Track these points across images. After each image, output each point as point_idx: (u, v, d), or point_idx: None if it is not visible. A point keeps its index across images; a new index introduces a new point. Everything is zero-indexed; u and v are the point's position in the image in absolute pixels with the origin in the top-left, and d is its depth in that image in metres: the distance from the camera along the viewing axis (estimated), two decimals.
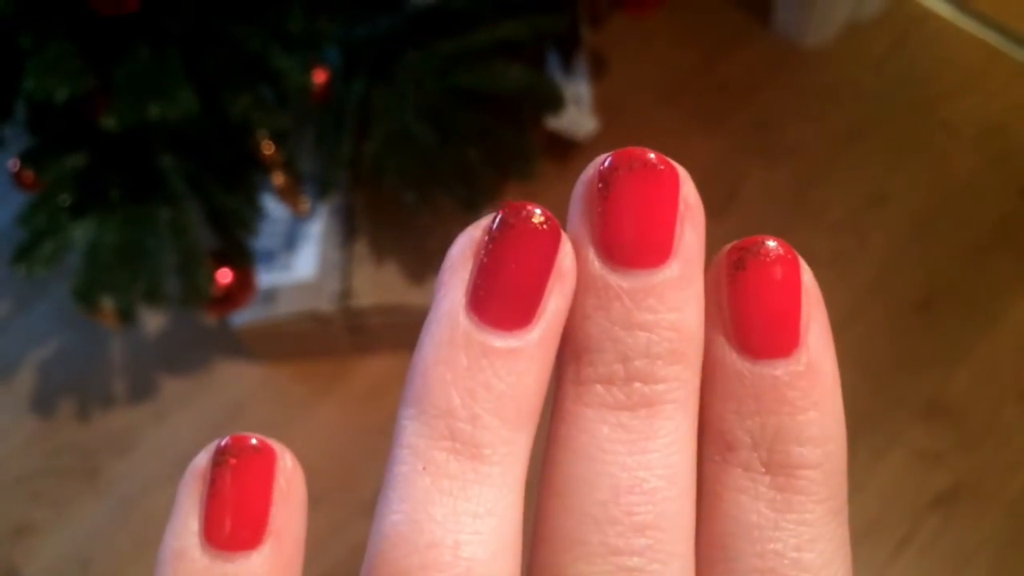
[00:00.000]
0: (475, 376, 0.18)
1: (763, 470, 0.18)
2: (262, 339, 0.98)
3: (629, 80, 1.16)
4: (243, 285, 0.80)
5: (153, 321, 1.05)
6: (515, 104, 0.83)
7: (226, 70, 0.67)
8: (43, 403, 1.03)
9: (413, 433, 0.18)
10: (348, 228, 0.96)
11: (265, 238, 0.93)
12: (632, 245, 0.18)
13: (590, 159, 0.19)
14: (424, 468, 0.18)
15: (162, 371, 1.03)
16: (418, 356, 0.19)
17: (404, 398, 0.19)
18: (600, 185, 0.18)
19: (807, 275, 0.19)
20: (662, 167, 0.18)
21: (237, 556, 0.17)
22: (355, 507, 0.90)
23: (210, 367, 1.03)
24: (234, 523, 0.18)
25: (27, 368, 1.05)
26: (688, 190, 0.19)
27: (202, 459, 0.18)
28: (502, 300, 0.18)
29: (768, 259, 0.19)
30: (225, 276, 0.78)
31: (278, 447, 0.18)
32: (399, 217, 0.95)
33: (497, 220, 0.19)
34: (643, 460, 0.18)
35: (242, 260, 0.78)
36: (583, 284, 0.19)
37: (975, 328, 0.99)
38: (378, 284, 0.94)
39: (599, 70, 1.15)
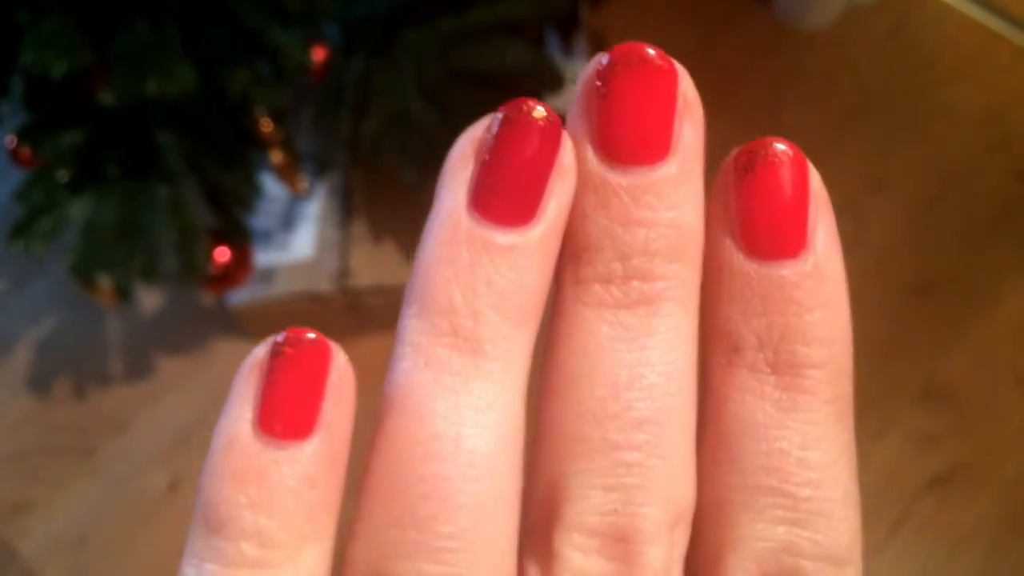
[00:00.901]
0: (476, 272, 0.18)
1: (769, 370, 0.18)
2: (259, 319, 0.98)
3: None
4: (241, 263, 0.80)
5: (150, 300, 1.05)
6: (514, 83, 0.82)
7: (224, 46, 0.67)
8: (39, 381, 1.03)
9: (415, 330, 0.18)
10: (346, 207, 0.96)
11: (263, 217, 0.93)
12: (630, 142, 0.18)
13: None
14: (426, 364, 0.18)
15: (159, 350, 1.03)
16: (420, 255, 0.19)
17: (406, 297, 0.19)
18: (598, 83, 0.18)
19: (815, 178, 0.19)
20: (660, 62, 0.18)
21: (288, 444, 0.18)
22: (353, 486, 0.90)
23: (207, 346, 1.02)
24: (287, 412, 0.18)
25: (23, 346, 1.05)
26: (687, 86, 0.19)
27: (260, 350, 0.18)
28: (504, 196, 0.18)
29: (776, 161, 0.18)
30: (223, 254, 0.78)
31: (333, 344, 0.18)
32: (397, 196, 0.94)
33: (499, 117, 0.18)
34: (642, 357, 0.18)
35: (240, 238, 0.78)
36: (582, 183, 0.19)
37: (972, 312, 0.99)
38: (376, 263, 0.94)
39: (598, 50, 1.15)
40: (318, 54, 0.75)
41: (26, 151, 0.72)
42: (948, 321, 0.99)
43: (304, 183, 0.88)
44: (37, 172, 0.72)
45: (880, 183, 1.07)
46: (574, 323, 0.19)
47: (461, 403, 0.18)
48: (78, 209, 0.72)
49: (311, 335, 0.18)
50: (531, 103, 0.18)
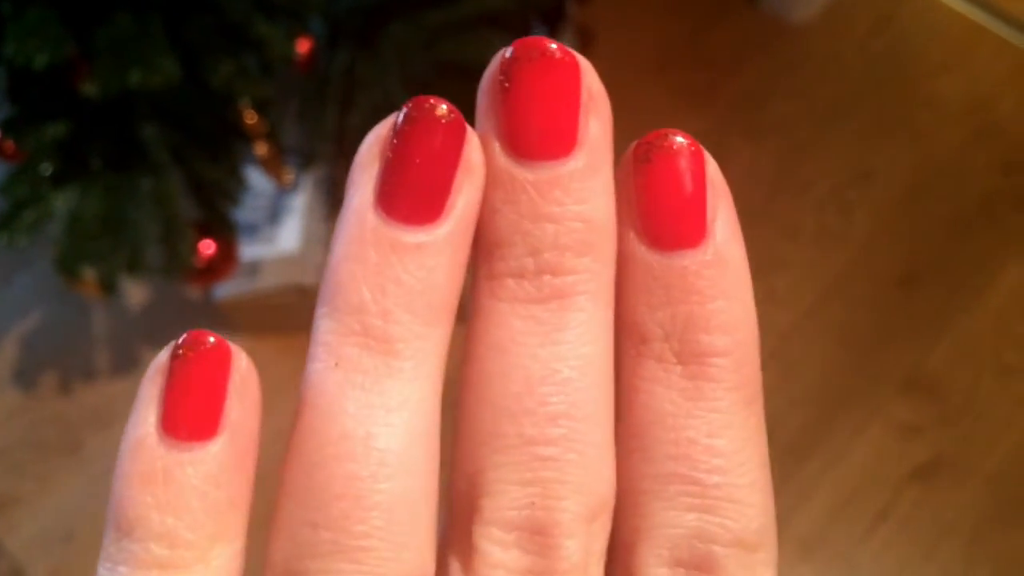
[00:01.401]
0: (384, 272, 0.18)
1: (675, 360, 0.19)
2: (245, 312, 0.98)
3: (615, 55, 1.16)
4: (226, 256, 0.80)
5: (136, 294, 1.04)
6: None
7: (208, 38, 0.67)
8: (25, 376, 1.02)
9: (326, 331, 0.18)
10: (332, 201, 0.96)
11: (248, 211, 0.93)
12: (535, 137, 0.18)
13: None
14: (337, 364, 0.18)
15: (145, 344, 1.03)
16: (331, 254, 0.19)
17: (319, 296, 0.19)
18: (502, 78, 0.18)
19: (712, 167, 0.19)
20: (561, 56, 0.18)
21: (192, 446, 0.18)
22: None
23: None
24: (190, 414, 0.18)
25: (9, 341, 1.04)
26: (591, 80, 0.19)
27: (163, 355, 0.18)
28: (409, 195, 0.18)
29: (672, 151, 0.19)
30: (208, 247, 0.78)
31: (234, 347, 0.19)
32: None
33: (401, 115, 0.18)
34: (555, 351, 0.18)
35: (225, 231, 0.78)
36: (491, 179, 0.19)
37: (956, 303, 1.00)
38: None
39: (585, 45, 1.15)
40: (303, 46, 0.75)
41: (9, 144, 0.71)
42: (932, 312, 0.99)
43: (289, 176, 0.88)
44: (21, 165, 0.72)
45: (866, 175, 1.07)
46: (489, 318, 0.19)
47: (372, 402, 0.18)
48: (62, 202, 0.72)
49: (211, 338, 0.18)
50: (433, 100, 0.18)
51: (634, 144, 0.19)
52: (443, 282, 0.19)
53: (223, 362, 0.18)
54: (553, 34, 1.05)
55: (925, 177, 1.07)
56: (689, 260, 0.18)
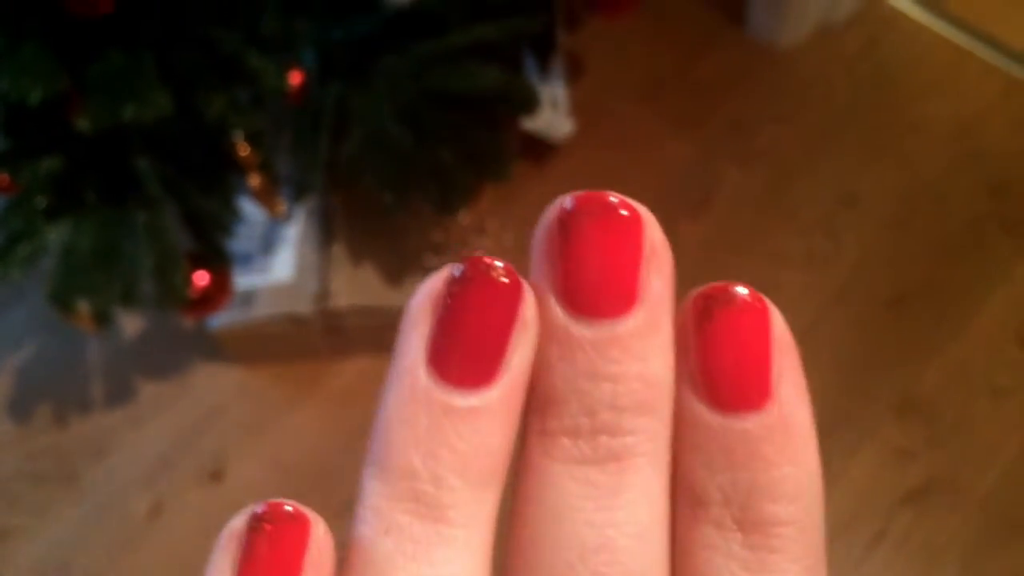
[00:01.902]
0: (436, 437, 0.18)
1: (735, 527, 0.18)
2: (240, 342, 0.98)
3: (605, 82, 1.17)
4: (220, 287, 0.80)
5: (131, 325, 1.05)
6: (491, 106, 0.83)
7: (201, 71, 0.68)
8: (20, 407, 1.02)
9: (376, 494, 0.18)
10: (325, 230, 0.97)
11: (242, 241, 0.93)
12: (594, 294, 0.17)
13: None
14: (387, 531, 0.18)
15: (139, 375, 1.03)
16: (380, 412, 0.18)
17: (368, 455, 0.18)
18: (560, 230, 0.18)
19: (778, 322, 0.18)
20: (624, 212, 0.18)
21: None
22: (333, 508, 0.90)
23: (187, 371, 1.02)
24: None
25: (4, 372, 1.04)
26: (653, 233, 0.18)
27: (238, 523, 0.18)
28: (463, 357, 0.18)
29: (735, 308, 0.18)
30: (202, 278, 0.78)
31: (311, 515, 0.18)
32: (376, 219, 0.95)
33: (457, 273, 0.18)
34: (611, 517, 0.17)
35: (219, 262, 0.78)
36: (547, 333, 0.18)
37: (946, 326, 1.00)
38: (355, 285, 0.94)
39: (575, 72, 1.16)
40: (294, 78, 0.75)
41: (4, 177, 0.72)
42: (923, 335, 1.00)
43: (282, 206, 0.89)
44: (15, 198, 0.72)
45: (854, 199, 1.08)
46: (542, 478, 0.18)
47: (422, 574, 0.17)
48: (56, 235, 0.72)
49: (288, 508, 0.18)
50: (489, 261, 0.18)
51: (693, 295, 0.18)
52: (496, 446, 0.18)
53: (301, 535, 0.18)
54: (544, 63, 1.06)
55: (912, 201, 1.08)
56: (752, 423, 0.18)
